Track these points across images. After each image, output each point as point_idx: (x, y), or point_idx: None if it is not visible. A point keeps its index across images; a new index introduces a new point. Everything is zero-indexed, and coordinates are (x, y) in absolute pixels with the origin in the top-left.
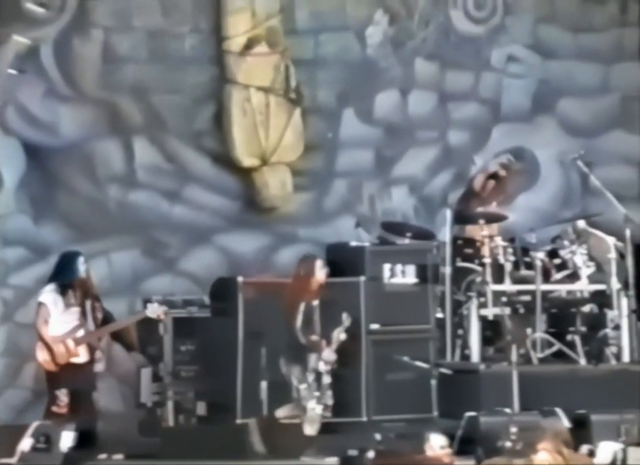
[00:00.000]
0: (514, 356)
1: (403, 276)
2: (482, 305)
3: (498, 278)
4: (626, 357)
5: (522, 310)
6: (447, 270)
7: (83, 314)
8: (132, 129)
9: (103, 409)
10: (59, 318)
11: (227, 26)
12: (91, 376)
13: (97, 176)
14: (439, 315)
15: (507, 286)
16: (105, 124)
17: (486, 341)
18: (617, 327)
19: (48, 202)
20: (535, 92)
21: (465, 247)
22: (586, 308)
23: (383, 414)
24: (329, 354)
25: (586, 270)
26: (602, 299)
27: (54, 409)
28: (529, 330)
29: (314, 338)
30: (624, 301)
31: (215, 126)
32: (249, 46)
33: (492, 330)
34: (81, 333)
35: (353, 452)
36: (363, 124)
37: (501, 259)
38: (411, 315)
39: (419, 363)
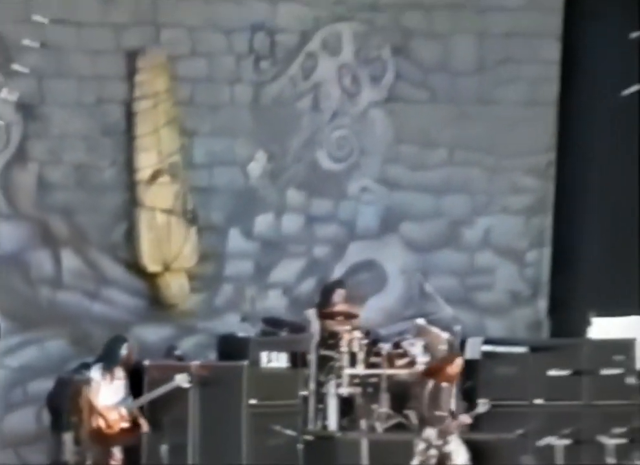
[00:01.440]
0: (363, 426)
1: (278, 361)
2: (339, 385)
3: (353, 364)
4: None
5: (370, 390)
6: (313, 357)
7: (127, 386)
8: (60, 242)
9: None
10: (107, 391)
11: (138, 161)
12: (138, 435)
13: (31, 279)
14: (305, 393)
15: (360, 370)
16: (38, 238)
17: (342, 414)
18: None
19: None
20: (383, 216)
21: (328, 339)
22: None
23: None
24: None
25: (422, 358)
26: None
27: (112, 462)
28: (375, 407)
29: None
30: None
31: (127, 240)
32: (154, 176)
33: (346, 406)
34: (128, 402)
35: None
36: (245, 240)
37: (355, 349)
38: (283, 392)
39: (288, 431)
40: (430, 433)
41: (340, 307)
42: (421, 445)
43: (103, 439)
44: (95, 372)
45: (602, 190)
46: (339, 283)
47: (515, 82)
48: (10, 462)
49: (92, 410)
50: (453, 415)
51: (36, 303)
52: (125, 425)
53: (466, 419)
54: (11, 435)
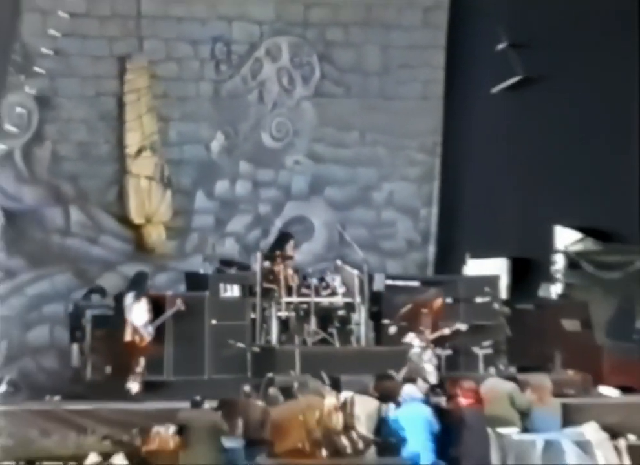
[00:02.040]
0: (297, 341)
1: (232, 292)
2: (279, 310)
3: (289, 294)
4: (363, 343)
5: (302, 314)
6: (258, 289)
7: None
8: (68, 201)
9: None
10: (137, 313)
11: (126, 140)
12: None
13: (46, 228)
14: (253, 316)
15: (294, 299)
16: (51, 198)
17: (281, 331)
18: (357, 324)
19: (16, 243)
20: (311, 183)
21: (269, 275)
22: (340, 312)
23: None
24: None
25: (340, 290)
26: (350, 308)
27: (137, 369)
28: (306, 326)
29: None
30: (363, 309)
31: (119, 200)
32: (139, 151)
33: (284, 326)
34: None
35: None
36: (208, 200)
37: (290, 282)
38: (236, 315)
39: (240, 344)
40: (411, 336)
41: (290, 252)
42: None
43: (135, 350)
44: (129, 299)
45: (476, 163)
46: (291, 236)
47: (411, 82)
48: (30, 367)
49: (129, 327)
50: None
51: (49, 246)
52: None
53: (445, 330)
54: (31, 347)
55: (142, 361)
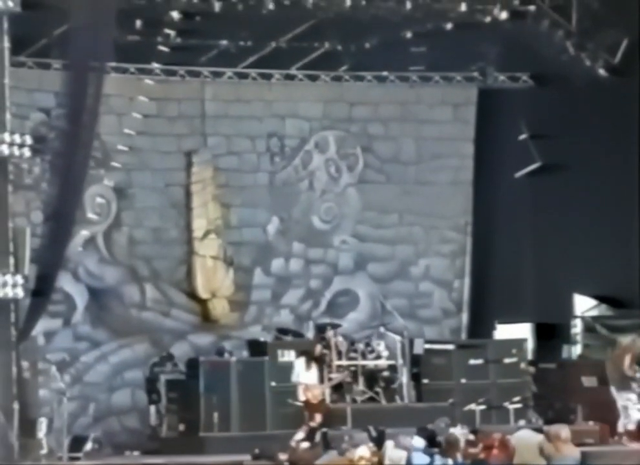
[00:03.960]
0: (347, 399)
1: (288, 357)
2: (330, 372)
3: (339, 358)
4: (406, 400)
5: (350, 375)
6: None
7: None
8: (143, 279)
9: None
10: (307, 376)
11: (193, 224)
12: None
13: (125, 303)
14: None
15: (343, 362)
16: (129, 277)
17: (333, 392)
18: (400, 385)
19: (100, 317)
20: (355, 259)
21: (321, 340)
22: (385, 373)
23: (279, 430)
24: None
25: (384, 353)
26: (393, 369)
27: (311, 423)
28: (355, 386)
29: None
30: (405, 370)
31: (187, 277)
32: (205, 235)
33: (336, 386)
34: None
35: None
36: (265, 276)
37: (340, 348)
38: (290, 377)
39: (297, 403)
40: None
41: (332, 339)
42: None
43: (311, 407)
44: (298, 365)
45: (503, 239)
46: (336, 326)
47: (443, 170)
48: (114, 426)
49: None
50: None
51: (128, 319)
52: (321, 398)
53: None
54: (115, 409)
55: (317, 417)
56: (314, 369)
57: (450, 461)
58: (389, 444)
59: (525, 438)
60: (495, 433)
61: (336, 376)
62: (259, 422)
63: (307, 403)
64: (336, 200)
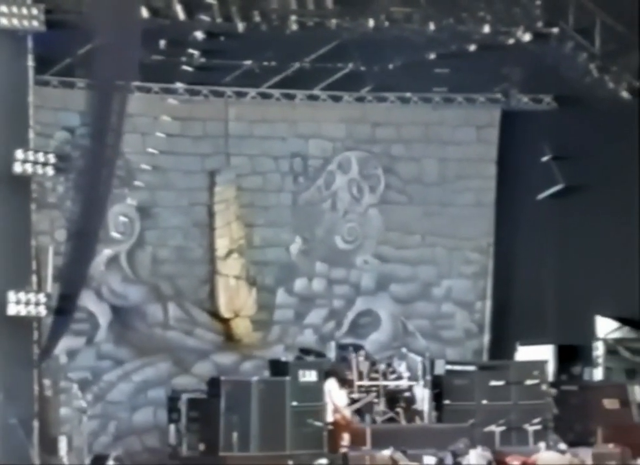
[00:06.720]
0: (367, 420)
1: (310, 377)
2: (350, 392)
3: (360, 378)
4: (426, 421)
5: (371, 395)
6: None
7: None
8: (166, 298)
9: None
10: (338, 396)
11: (216, 244)
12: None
13: (148, 322)
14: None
15: (365, 382)
16: (152, 296)
17: (353, 412)
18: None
19: (123, 335)
20: (377, 279)
21: (342, 361)
22: (406, 394)
23: (299, 450)
24: None
25: (405, 374)
26: (413, 390)
27: (343, 443)
28: (375, 406)
29: None
30: (426, 391)
31: (210, 297)
32: (228, 254)
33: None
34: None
35: None
36: (288, 296)
37: (361, 368)
38: (314, 397)
39: (317, 423)
40: None
41: (354, 360)
42: None
43: (340, 427)
44: (329, 384)
45: (525, 261)
46: (360, 348)
47: (466, 191)
48: (135, 445)
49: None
50: None
51: (151, 338)
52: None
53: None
54: (136, 427)
55: (346, 437)
56: (343, 390)
57: None
58: None
59: (552, 459)
60: (515, 455)
61: (363, 397)
62: (279, 442)
63: (336, 423)
64: (358, 220)
